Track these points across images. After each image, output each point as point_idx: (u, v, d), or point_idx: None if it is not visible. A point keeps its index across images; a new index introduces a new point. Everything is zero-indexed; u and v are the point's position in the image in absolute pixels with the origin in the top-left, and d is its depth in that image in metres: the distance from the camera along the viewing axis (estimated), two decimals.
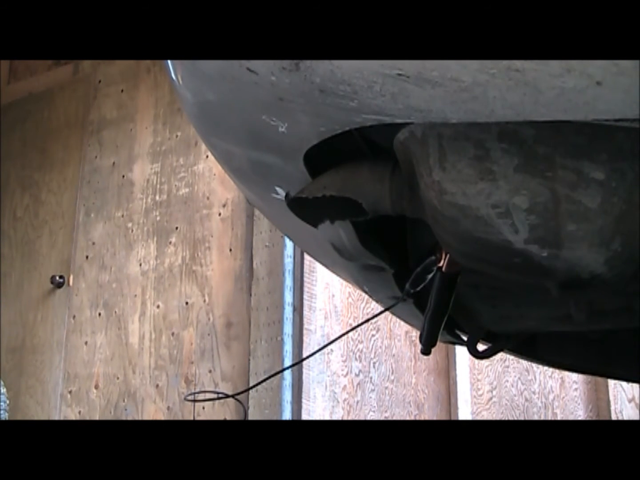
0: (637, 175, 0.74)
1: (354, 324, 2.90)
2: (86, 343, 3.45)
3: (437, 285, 1.06)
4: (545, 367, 3.65)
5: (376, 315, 1.37)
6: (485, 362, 3.50)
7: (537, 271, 0.81)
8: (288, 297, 2.90)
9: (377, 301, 1.32)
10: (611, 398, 4.03)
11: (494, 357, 1.33)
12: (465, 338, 1.30)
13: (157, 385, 3.18)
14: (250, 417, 2.85)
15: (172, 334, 3.20)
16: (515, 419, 3.66)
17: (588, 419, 4.00)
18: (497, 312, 1.26)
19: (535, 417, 3.76)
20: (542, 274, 0.82)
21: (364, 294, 1.98)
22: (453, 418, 3.35)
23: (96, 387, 3.36)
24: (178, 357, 3.16)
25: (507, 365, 3.70)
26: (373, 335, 3.14)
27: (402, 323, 2.29)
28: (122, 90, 3.72)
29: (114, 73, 3.77)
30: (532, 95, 0.58)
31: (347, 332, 2.79)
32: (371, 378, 3.09)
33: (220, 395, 2.81)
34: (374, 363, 3.12)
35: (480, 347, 1.30)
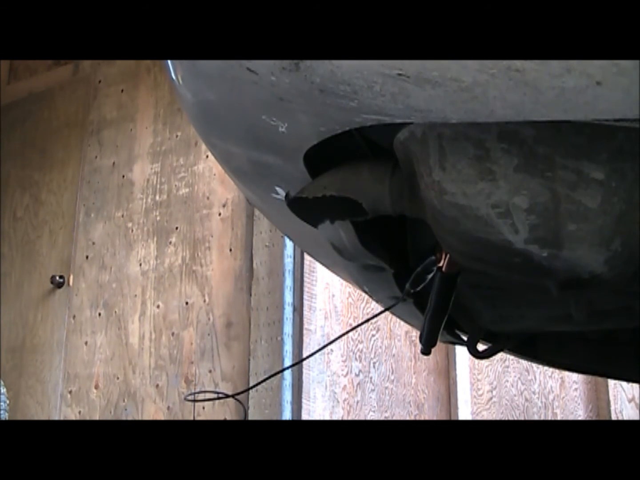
0: (637, 175, 0.74)
1: (354, 324, 2.90)
2: (86, 343, 3.45)
3: (437, 285, 1.06)
4: (545, 367, 3.65)
5: (376, 315, 1.37)
6: (485, 362, 3.50)
7: (537, 271, 0.81)
8: (288, 297, 2.90)
9: (377, 301, 1.32)
10: (611, 398, 4.03)
11: (494, 357, 1.33)
12: (465, 338, 1.30)
13: (157, 385, 3.18)
14: (250, 417, 2.85)
15: (172, 334, 3.20)
16: (515, 419, 3.66)
17: (588, 419, 4.00)
18: (497, 312, 1.26)
19: (535, 417, 3.76)
20: (542, 274, 0.82)
21: (364, 294, 1.98)
22: (453, 418, 3.35)
23: (96, 387, 3.36)
24: (178, 357, 3.16)
25: (507, 365, 3.70)
26: (373, 335, 3.14)
27: (402, 323, 2.29)
28: (122, 90, 3.72)
29: (114, 73, 3.77)
30: (532, 95, 0.58)
31: (347, 332, 2.78)
32: (371, 378, 3.09)
33: (220, 395, 2.81)
34: (374, 363, 3.12)
35: (480, 347, 1.30)
